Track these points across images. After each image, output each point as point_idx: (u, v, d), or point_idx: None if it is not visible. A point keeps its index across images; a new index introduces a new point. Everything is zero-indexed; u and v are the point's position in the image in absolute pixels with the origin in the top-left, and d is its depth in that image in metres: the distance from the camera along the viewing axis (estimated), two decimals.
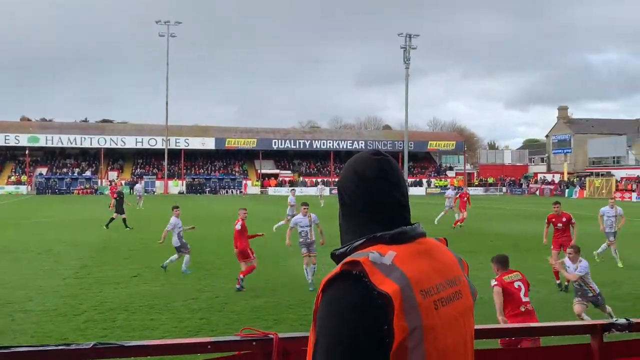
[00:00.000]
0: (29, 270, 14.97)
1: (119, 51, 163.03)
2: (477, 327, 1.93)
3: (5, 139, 72.61)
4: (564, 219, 14.00)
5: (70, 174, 75.16)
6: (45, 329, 9.54)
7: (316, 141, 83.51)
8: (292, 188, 29.62)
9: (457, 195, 28.45)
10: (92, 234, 23.67)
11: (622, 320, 2.99)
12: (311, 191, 73.33)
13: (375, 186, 1.71)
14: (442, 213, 29.16)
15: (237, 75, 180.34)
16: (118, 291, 12.47)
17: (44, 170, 75.37)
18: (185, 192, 72.59)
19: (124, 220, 26.23)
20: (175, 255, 15.19)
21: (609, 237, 16.78)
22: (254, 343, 2.52)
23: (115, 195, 27.42)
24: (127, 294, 12.22)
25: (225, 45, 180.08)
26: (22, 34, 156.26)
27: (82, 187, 71.92)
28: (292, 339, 2.59)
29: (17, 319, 10.11)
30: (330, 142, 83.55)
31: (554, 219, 14.19)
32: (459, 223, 26.51)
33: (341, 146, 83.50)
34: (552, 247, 14.05)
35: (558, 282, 13.00)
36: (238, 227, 13.44)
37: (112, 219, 26.10)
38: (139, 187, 45.95)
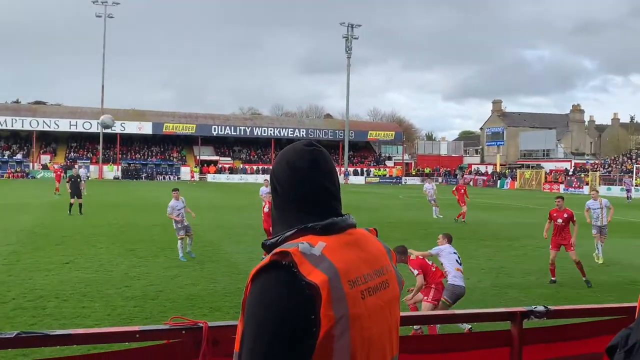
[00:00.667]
0: None
1: (54, 31, 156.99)
2: (402, 314, 2.00)
3: None
4: (565, 215, 13.15)
5: (0, 156, 72.08)
6: None
7: (257, 128, 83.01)
8: (265, 179, 29.26)
9: (454, 189, 27.75)
10: (22, 219, 22.82)
11: (541, 308, 3.14)
12: (250, 179, 72.94)
13: (306, 177, 1.74)
14: (435, 208, 28.18)
15: (175, 59, 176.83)
16: (49, 278, 12.11)
17: None
18: (120, 178, 70.86)
19: (80, 205, 25.34)
20: (179, 242, 15.03)
21: (594, 230, 16.03)
22: (184, 332, 2.52)
23: (62, 179, 26.70)
24: (59, 281, 11.89)
25: (164, 29, 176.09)
26: None
27: (12, 170, 69.10)
28: (222, 327, 2.60)
29: None
30: (271, 130, 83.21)
31: (555, 214, 13.37)
32: (460, 217, 25.59)
33: (282, 134, 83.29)
34: (550, 246, 13.28)
35: (585, 278, 12.70)
36: (266, 209, 16.04)
37: (71, 204, 25.17)
38: (83, 172, 44.55)
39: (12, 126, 72.76)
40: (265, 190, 20.73)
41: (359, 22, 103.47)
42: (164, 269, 13.52)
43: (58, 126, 73.75)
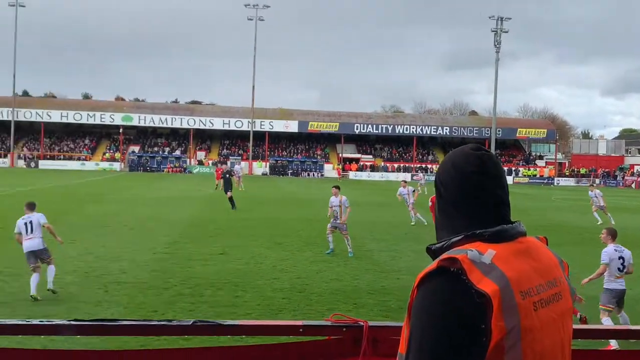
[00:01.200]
0: (123, 244, 15.75)
1: (209, 35, 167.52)
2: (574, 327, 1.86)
3: (101, 118, 76.44)
4: None
5: (160, 152, 78.28)
6: (137, 300, 10.04)
7: (399, 126, 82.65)
8: (403, 180, 28.78)
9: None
10: (181, 211, 24.59)
11: None
12: (391, 177, 72.88)
13: (473, 181, 1.67)
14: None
15: (320, 59, 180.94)
16: (206, 267, 12.93)
17: (136, 149, 78.88)
18: (268, 174, 74.01)
19: (231, 199, 26.65)
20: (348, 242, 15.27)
21: None
22: (344, 329, 2.54)
23: (220, 177, 28.26)
24: (214, 270, 12.64)
25: (310, 30, 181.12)
26: (117, 17, 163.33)
27: (171, 165, 74.72)
28: (381, 327, 2.60)
29: (110, 290, 10.69)
30: (413, 128, 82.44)
31: None
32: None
33: (424, 131, 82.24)
34: None
35: None
36: None
37: (231, 198, 26.50)
38: (238, 168, 47.30)
39: (171, 124, 78.72)
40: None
41: (509, 15, 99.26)
42: (309, 262, 13.90)
43: (212, 124, 78.62)
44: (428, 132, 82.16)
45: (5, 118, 73.74)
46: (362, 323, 2.56)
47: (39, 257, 10.52)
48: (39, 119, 74.97)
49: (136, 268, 12.65)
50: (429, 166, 78.56)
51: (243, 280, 11.81)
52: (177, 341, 4.46)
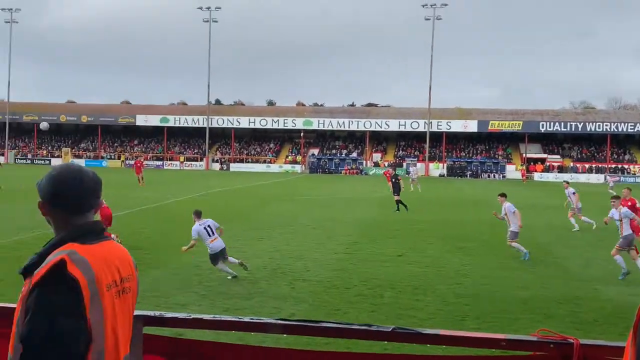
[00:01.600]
0: (305, 243, 16.41)
1: (385, 39, 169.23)
2: None
3: (284, 123, 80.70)
4: None
5: (338, 155, 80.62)
6: (321, 298, 10.36)
7: (590, 123, 76.51)
8: (565, 180, 26.55)
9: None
10: (359, 212, 25.04)
11: None
12: (582, 178, 67.77)
13: None
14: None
15: (501, 55, 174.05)
16: (384, 269, 12.99)
17: (316, 151, 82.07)
18: (445, 175, 72.74)
19: (398, 202, 26.47)
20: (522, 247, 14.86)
21: None
22: (552, 346, 2.36)
23: (390, 180, 28.40)
24: (393, 272, 12.65)
25: (488, 26, 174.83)
26: (296, 27, 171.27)
27: (349, 167, 76.61)
28: (595, 346, 2.37)
29: (296, 287, 11.16)
30: (607, 125, 75.82)
31: None
32: None
33: (620, 129, 75.29)
34: None
35: None
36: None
37: (398, 201, 26.40)
38: (414, 170, 47.32)
39: (348, 127, 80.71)
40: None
41: None
42: (493, 268, 13.36)
43: (388, 126, 79.19)
44: (624, 130, 75.08)
45: (201, 125, 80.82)
46: (572, 340, 2.36)
47: (224, 254, 11.70)
48: (229, 125, 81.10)
49: (319, 267, 13.09)
50: (626, 166, 71.85)
51: (423, 283, 11.66)
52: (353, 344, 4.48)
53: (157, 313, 2.67)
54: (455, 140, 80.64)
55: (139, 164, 38.01)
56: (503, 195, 15.82)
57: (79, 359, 1.98)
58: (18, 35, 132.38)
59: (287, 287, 11.09)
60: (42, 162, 78.14)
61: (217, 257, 11.59)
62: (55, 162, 77.84)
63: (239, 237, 16.91)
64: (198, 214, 12.24)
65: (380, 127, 79.45)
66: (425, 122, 76.25)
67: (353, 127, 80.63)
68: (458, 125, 77.08)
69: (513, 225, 14.91)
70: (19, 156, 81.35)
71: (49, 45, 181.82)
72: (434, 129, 76.60)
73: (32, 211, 14.47)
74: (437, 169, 74.66)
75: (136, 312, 2.39)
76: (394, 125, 79.03)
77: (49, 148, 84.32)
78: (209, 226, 11.86)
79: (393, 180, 27.64)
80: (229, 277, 11.60)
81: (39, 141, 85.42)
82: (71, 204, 2.18)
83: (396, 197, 26.51)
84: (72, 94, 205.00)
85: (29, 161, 79.54)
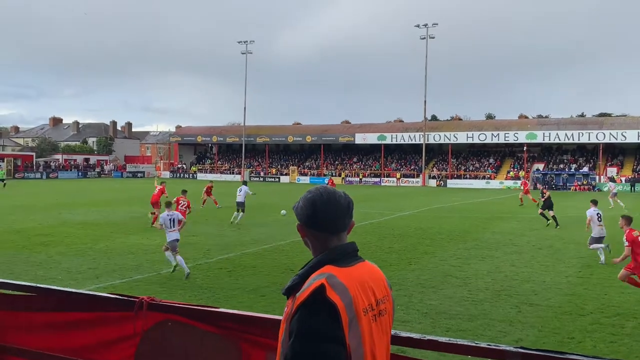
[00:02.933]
0: (532, 264, 15.51)
1: (623, 44, 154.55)
2: None
3: (505, 137, 77.56)
4: None
5: (567, 169, 75.18)
6: (552, 325, 9.69)
7: None
8: None
9: None
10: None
11: None
12: None
13: None
14: None
15: None
16: (624, 296, 11.74)
17: (540, 166, 77.49)
18: None
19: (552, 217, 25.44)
20: None
21: None
22: None
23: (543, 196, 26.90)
24: (636, 300, 11.38)
25: None
26: (515, 36, 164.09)
27: (578, 183, 71.03)
28: None
29: (523, 311, 10.59)
30: None
31: None
32: None
33: None
34: None
35: None
36: None
37: (553, 216, 25.52)
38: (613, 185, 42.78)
39: (578, 139, 74.71)
40: None
41: None
42: None
43: (625, 138, 71.76)
44: None
45: (417, 142, 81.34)
46: None
47: (174, 247, 13.45)
48: (446, 141, 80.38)
49: (547, 290, 12.28)
50: None
51: None
52: None
53: (392, 332, 2.71)
54: None
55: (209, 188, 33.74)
56: None
57: None
58: (251, 65, 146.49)
59: (512, 311, 10.57)
60: (272, 179, 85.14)
61: (169, 246, 13.31)
62: (284, 179, 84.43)
63: (459, 256, 16.61)
64: (168, 205, 14.21)
65: (616, 139, 72.26)
66: None
67: (583, 140, 74.50)
68: None
69: None
70: (253, 174, 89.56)
71: (276, 72, 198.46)
72: None
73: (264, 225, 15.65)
74: None
75: None
76: (632, 137, 71.41)
77: (278, 167, 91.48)
78: (173, 219, 13.50)
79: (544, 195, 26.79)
80: (171, 271, 13.19)
81: (270, 160, 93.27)
82: (329, 225, 2.27)
83: (551, 213, 25.65)
84: (298, 116, 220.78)
85: (261, 179, 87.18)
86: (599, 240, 15.96)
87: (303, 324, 2.04)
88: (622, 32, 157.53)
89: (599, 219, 15.99)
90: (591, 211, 16.05)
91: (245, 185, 26.75)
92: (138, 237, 19.92)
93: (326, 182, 41.41)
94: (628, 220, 12.66)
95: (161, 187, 25.51)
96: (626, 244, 11.79)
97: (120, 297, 3.53)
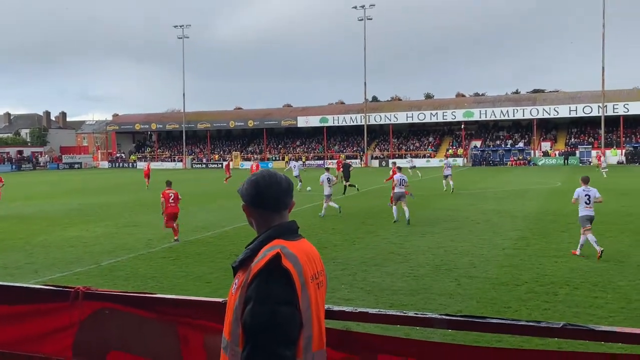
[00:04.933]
0: (470, 238, 16.01)
1: (549, 21, 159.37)
2: None
3: (443, 116, 79.23)
4: None
5: (503, 145, 77.43)
6: (489, 295, 10.06)
7: None
8: None
9: None
10: (526, 205, 23.91)
11: None
12: None
13: None
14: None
15: None
16: (558, 265, 12.29)
17: (478, 143, 79.55)
18: (624, 162, 66.87)
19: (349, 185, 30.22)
20: None
21: None
22: None
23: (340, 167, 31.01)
24: (568, 268, 11.94)
25: None
26: (454, 15, 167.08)
27: (515, 158, 73.32)
28: None
29: (462, 283, 10.94)
30: None
31: None
32: None
33: None
34: None
35: None
36: None
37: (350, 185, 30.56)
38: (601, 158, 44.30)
39: (513, 116, 77.01)
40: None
41: None
42: None
43: (557, 112, 74.38)
44: None
45: (359, 123, 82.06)
46: None
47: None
48: (387, 121, 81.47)
49: (485, 263, 12.72)
50: None
51: (602, 279, 10.88)
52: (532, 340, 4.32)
53: (325, 306, 2.80)
54: (635, 123, 73.82)
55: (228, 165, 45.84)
56: None
57: (294, 343, 2.22)
58: (189, 50, 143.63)
59: (452, 284, 10.91)
60: (215, 165, 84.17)
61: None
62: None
63: (400, 234, 16.97)
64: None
65: (549, 114, 74.88)
66: (599, 106, 70.72)
67: (518, 116, 76.86)
68: (637, 108, 70.47)
69: None
70: (195, 161, 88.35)
71: (215, 57, 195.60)
72: (609, 112, 70.76)
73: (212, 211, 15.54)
74: (615, 155, 68.88)
75: None
76: (564, 111, 74.13)
77: (221, 152, 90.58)
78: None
79: (343, 168, 31.66)
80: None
81: (212, 147, 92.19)
82: (272, 204, 2.45)
83: (346, 183, 30.36)
84: (240, 102, 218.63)
85: (203, 165, 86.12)
86: (589, 219, 13.62)
87: (262, 289, 2.21)
88: (554, 9, 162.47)
89: (588, 201, 13.58)
90: (579, 190, 13.79)
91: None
92: (77, 229, 19.45)
93: (252, 165, 43.21)
94: None
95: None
96: None
97: (55, 288, 3.50)
